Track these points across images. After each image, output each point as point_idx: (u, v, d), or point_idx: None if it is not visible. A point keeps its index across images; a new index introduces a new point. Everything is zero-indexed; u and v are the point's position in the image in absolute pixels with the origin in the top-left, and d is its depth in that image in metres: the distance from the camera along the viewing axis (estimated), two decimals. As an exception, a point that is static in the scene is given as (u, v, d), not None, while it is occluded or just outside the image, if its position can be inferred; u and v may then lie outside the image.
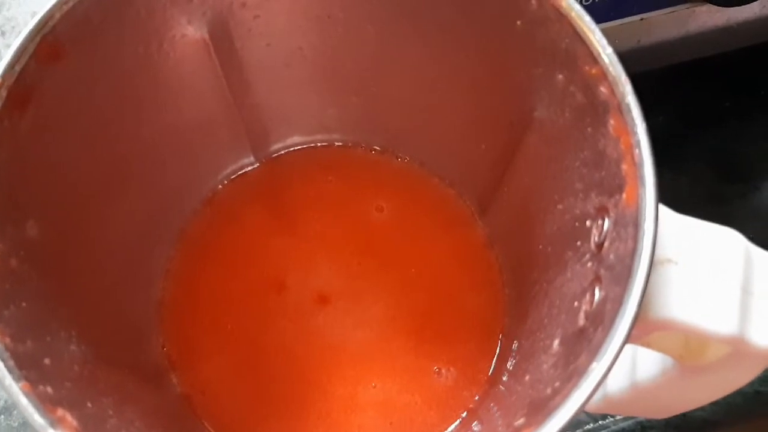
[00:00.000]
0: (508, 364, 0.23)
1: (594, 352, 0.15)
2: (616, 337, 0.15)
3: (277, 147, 0.27)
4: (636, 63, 0.32)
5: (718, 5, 0.29)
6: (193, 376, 0.25)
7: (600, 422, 0.31)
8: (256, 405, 0.25)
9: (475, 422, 0.24)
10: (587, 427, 0.31)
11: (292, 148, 0.28)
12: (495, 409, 0.22)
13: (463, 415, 0.24)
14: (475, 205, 0.27)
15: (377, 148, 0.28)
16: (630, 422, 0.31)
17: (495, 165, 0.24)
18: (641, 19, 0.30)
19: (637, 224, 0.16)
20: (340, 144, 0.28)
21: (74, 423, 0.15)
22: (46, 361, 0.16)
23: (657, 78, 0.34)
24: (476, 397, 0.24)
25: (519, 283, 0.25)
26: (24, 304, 0.16)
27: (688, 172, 0.38)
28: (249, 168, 0.27)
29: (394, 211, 0.27)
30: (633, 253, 0.15)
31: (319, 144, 0.28)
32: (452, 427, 0.24)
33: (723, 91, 0.36)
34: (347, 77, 0.24)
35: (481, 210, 0.26)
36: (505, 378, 0.23)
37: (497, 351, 0.25)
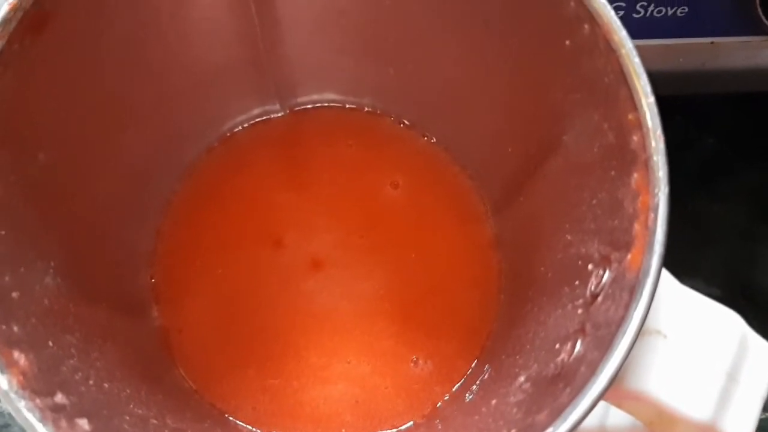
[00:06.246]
0: (483, 374, 0.23)
1: (554, 415, 0.14)
2: (579, 407, 0.14)
3: (304, 100, 0.26)
4: (695, 85, 0.30)
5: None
6: (175, 311, 0.25)
7: None
8: (229, 354, 0.25)
9: (438, 420, 0.23)
10: None
11: (318, 104, 0.27)
12: (458, 419, 0.22)
13: (429, 410, 0.24)
14: (490, 203, 0.26)
15: (406, 122, 0.27)
16: None
17: (517, 172, 0.23)
18: (711, 42, 0.28)
19: (632, 293, 0.15)
20: (369, 110, 0.27)
21: (26, 366, 0.15)
22: (14, 294, 0.16)
23: (714, 102, 0.33)
24: (446, 397, 0.24)
25: (514, 295, 0.24)
26: (3, 232, 0.16)
27: (724, 203, 0.37)
28: (273, 115, 0.27)
29: (408, 190, 0.26)
30: (621, 323, 0.15)
31: (347, 105, 0.27)
32: (416, 419, 0.24)
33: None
34: (387, 49, 0.23)
35: (495, 210, 0.25)
36: (475, 388, 0.23)
37: (478, 355, 0.25)
